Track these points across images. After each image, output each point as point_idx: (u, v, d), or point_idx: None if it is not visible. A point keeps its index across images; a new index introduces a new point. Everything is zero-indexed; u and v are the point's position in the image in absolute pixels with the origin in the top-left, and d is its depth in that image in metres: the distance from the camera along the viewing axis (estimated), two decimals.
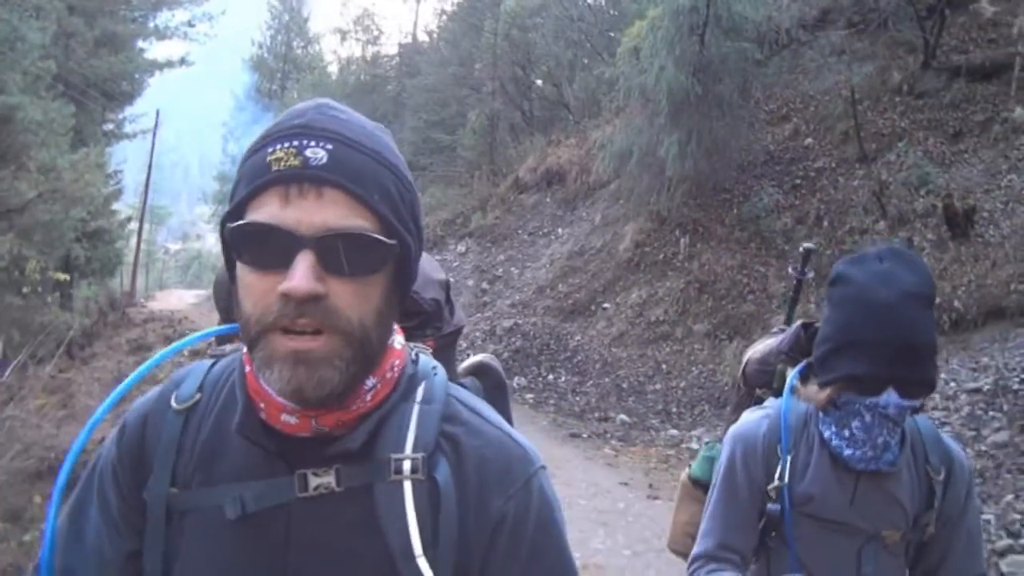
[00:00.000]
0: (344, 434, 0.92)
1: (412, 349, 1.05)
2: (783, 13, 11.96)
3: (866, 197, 11.42)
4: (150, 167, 23.54)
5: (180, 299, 32.06)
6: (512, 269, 15.57)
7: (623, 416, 9.91)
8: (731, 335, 11.11)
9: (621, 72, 12.68)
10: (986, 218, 10.13)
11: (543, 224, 16.44)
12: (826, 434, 1.61)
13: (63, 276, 12.41)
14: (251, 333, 0.86)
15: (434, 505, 0.90)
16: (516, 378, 11.67)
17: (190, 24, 22.46)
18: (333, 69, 38.28)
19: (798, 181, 12.53)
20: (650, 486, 6.65)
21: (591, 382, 11.39)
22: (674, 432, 9.10)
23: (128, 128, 23.37)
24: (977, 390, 7.29)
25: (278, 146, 0.84)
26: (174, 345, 1.08)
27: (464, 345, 13.18)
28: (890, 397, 1.48)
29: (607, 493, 6.34)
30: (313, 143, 0.84)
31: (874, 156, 12.03)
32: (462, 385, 1.14)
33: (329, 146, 0.84)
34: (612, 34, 19.64)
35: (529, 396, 11.00)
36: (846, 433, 1.57)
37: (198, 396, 1.01)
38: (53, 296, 13.91)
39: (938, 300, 6.91)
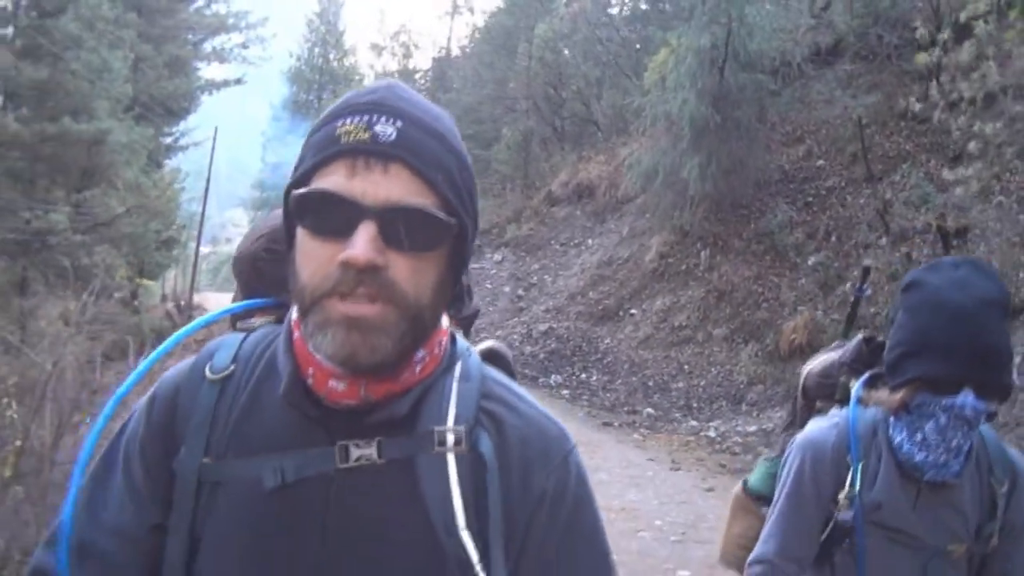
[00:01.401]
0: (390, 403, 0.92)
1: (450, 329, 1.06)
2: (796, 47, 13.15)
3: (871, 215, 12.55)
4: (208, 180, 25.09)
5: (219, 302, 33.54)
6: (546, 277, 16.85)
7: (649, 410, 11.17)
8: (747, 339, 12.30)
9: (648, 100, 13.94)
10: (978, 235, 11.24)
11: (574, 235, 17.70)
12: (896, 440, 1.60)
13: (150, 281, 13.85)
14: (306, 300, 0.87)
15: (478, 479, 0.91)
16: (552, 376, 12.97)
17: (244, 46, 24.12)
18: (369, 82, 39.89)
19: (810, 199, 13.68)
20: (672, 461, 7.93)
21: (620, 380, 12.63)
22: (694, 423, 10.34)
23: (183, 141, 25.01)
24: None
25: (348, 120, 0.87)
26: (197, 321, 1.09)
27: None
28: (967, 398, 1.47)
29: (637, 465, 7.64)
30: (383, 119, 0.86)
31: (880, 176, 13.15)
32: None
33: (399, 123, 0.87)
34: (637, 46, 20.82)
35: (565, 392, 12.29)
36: (918, 437, 1.56)
37: (233, 367, 1.00)
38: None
39: None
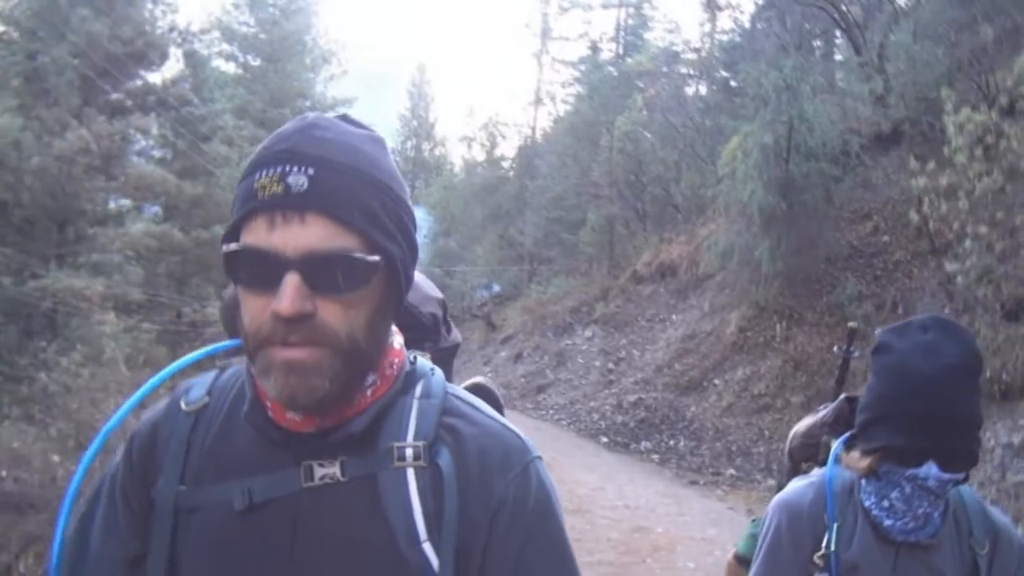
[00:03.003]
0: (346, 424, 0.97)
1: (410, 353, 1.10)
2: (855, 136, 14.48)
3: (935, 286, 13.54)
4: None
5: None
6: (634, 351, 18.18)
7: (732, 471, 12.30)
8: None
9: (721, 190, 15.42)
10: None
11: (659, 312, 19.02)
12: (867, 503, 1.60)
13: None
14: (250, 347, 0.92)
15: (437, 491, 0.95)
16: (642, 442, 14.24)
17: None
18: (459, 170, 42.77)
19: (878, 273, 14.71)
20: (749, 510, 9.09)
21: (706, 446, 13.75)
22: (772, 482, 11.43)
23: None
24: (1009, 444, 9.43)
25: (264, 172, 0.89)
26: (182, 360, 1.12)
27: (596, 417, 15.89)
28: (930, 469, 1.47)
29: (717, 512, 8.88)
30: (295, 169, 0.88)
31: (943, 250, 14.15)
32: None
33: (311, 171, 0.89)
34: (712, 133, 22.24)
35: (655, 456, 13.53)
36: (885, 504, 1.57)
37: (207, 399, 1.05)
38: None
39: (988, 373, 9.12)
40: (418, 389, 1.03)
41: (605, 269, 22.71)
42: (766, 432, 13.49)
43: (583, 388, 17.76)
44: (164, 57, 16.68)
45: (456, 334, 1.46)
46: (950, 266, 9.09)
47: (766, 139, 13.34)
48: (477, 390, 1.27)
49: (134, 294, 15.43)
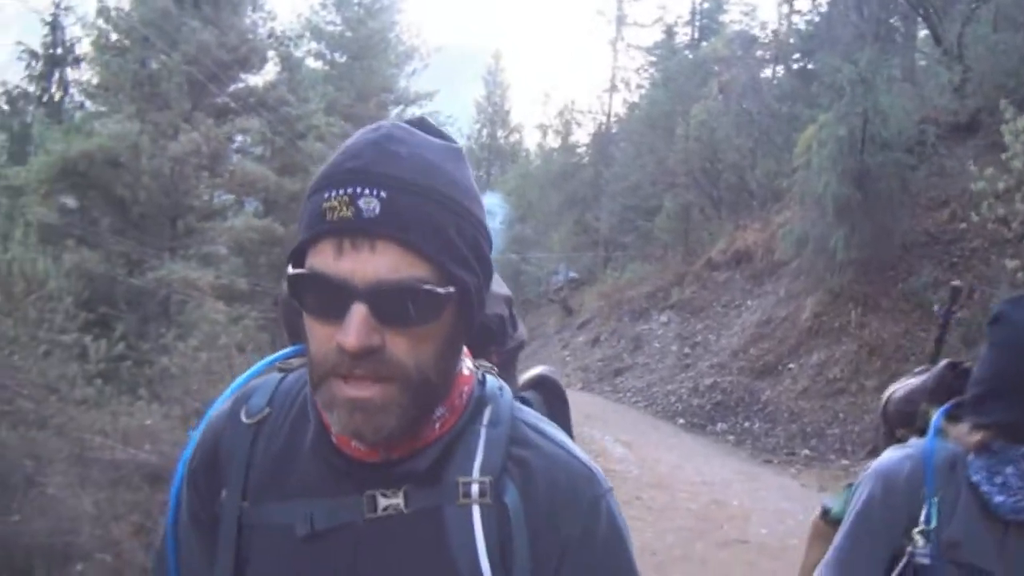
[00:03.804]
0: (412, 458, 0.95)
1: (479, 370, 1.06)
2: (931, 126, 14.68)
3: (1013, 274, 13.68)
4: None
5: None
6: (710, 336, 18.69)
7: (806, 451, 12.82)
8: None
9: (796, 180, 15.78)
10: None
11: (734, 297, 19.44)
12: (975, 478, 1.50)
13: None
14: (314, 376, 0.89)
15: (503, 528, 0.92)
16: (718, 424, 14.85)
17: None
18: (534, 157, 43.43)
19: (955, 260, 14.87)
20: (821, 487, 9.69)
21: (780, 428, 14.26)
22: (846, 462, 11.93)
23: None
24: None
25: (333, 193, 0.85)
26: (255, 367, 1.10)
27: (673, 400, 16.53)
28: None
29: (790, 488, 9.52)
30: (367, 191, 0.84)
31: (1021, 237, 14.26)
32: (523, 399, 1.15)
33: (383, 194, 0.84)
34: (787, 119, 22.31)
35: (730, 438, 14.14)
36: (998, 480, 1.47)
37: (267, 410, 1.03)
38: None
39: None
40: (486, 415, 1.00)
41: (680, 255, 23.14)
42: (840, 415, 13.90)
43: (660, 372, 18.38)
44: (263, 61, 17.80)
45: (522, 330, 1.38)
46: (1010, 263, 9.38)
47: (840, 131, 13.67)
48: (541, 382, 1.29)
49: (240, 284, 16.66)
